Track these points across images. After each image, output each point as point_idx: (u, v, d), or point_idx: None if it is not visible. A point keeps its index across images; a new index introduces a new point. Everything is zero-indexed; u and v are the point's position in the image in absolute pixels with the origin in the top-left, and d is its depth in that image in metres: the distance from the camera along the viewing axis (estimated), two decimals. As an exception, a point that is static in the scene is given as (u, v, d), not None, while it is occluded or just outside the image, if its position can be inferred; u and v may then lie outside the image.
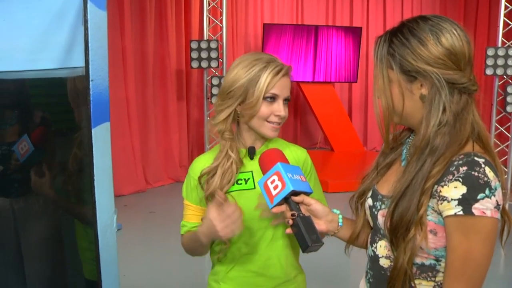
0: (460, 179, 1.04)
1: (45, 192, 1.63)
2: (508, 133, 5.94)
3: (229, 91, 1.44)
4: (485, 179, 1.03)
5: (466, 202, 1.04)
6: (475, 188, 1.03)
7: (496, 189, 1.04)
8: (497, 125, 5.97)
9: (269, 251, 1.50)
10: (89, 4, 1.38)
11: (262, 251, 1.49)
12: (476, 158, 1.06)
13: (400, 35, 1.14)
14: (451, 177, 1.06)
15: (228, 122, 1.47)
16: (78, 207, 1.66)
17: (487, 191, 1.03)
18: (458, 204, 1.04)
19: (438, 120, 1.11)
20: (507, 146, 5.94)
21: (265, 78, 1.40)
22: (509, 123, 5.95)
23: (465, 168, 1.05)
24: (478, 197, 1.03)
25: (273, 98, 1.43)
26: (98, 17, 1.41)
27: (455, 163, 1.07)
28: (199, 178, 1.48)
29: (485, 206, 1.03)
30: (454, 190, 1.05)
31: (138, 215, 5.17)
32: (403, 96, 1.15)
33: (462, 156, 1.07)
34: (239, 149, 1.50)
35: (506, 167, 5.82)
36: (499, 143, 6.04)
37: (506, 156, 5.90)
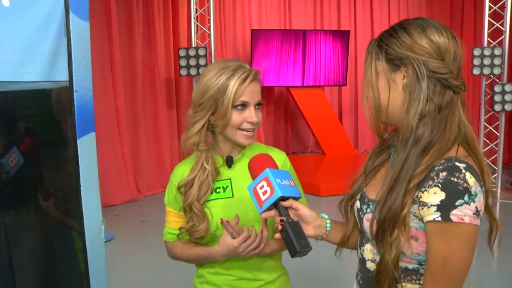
0: (439, 185, 1.05)
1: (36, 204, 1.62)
2: (497, 131, 6.00)
3: (200, 102, 1.44)
4: (465, 185, 1.03)
5: (444, 208, 1.04)
6: (454, 194, 1.03)
7: (476, 195, 1.04)
8: (486, 124, 6.03)
9: (253, 256, 1.50)
10: (71, 15, 1.38)
11: (245, 257, 1.49)
12: (457, 163, 1.06)
13: (390, 30, 1.18)
14: (431, 182, 1.06)
15: (202, 134, 1.47)
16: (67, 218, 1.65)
17: (466, 198, 1.03)
18: (437, 210, 1.05)
19: (419, 109, 1.11)
20: (496, 145, 6.00)
21: (232, 86, 1.39)
22: (497, 122, 6.01)
23: (444, 173, 1.05)
24: (457, 203, 1.03)
25: (243, 105, 1.42)
26: (81, 28, 1.41)
27: (436, 168, 1.07)
28: (178, 188, 1.50)
29: (463, 213, 1.03)
30: (434, 196, 1.05)
31: (130, 224, 5.14)
32: (389, 88, 1.16)
33: (443, 161, 1.07)
34: (216, 158, 1.51)
35: (496, 166, 5.88)
36: (488, 142, 6.09)
37: (496, 155, 5.95)
